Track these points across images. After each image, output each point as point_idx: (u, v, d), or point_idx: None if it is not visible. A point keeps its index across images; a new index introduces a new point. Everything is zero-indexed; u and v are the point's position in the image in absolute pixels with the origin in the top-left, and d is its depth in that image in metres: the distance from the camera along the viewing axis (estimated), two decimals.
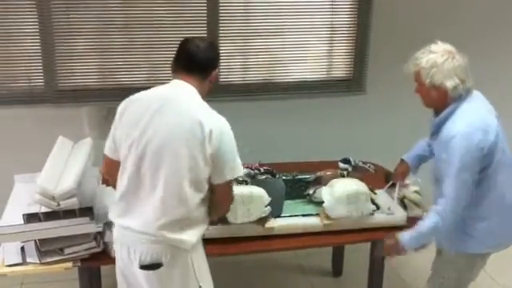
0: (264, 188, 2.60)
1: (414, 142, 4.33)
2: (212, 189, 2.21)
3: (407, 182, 3.10)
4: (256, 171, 2.77)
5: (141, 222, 2.16)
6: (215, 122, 2.16)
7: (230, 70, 4.04)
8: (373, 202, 2.79)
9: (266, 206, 2.58)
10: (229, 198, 2.31)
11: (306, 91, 4.14)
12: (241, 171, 2.26)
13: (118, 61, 3.81)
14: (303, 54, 4.11)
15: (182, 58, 2.28)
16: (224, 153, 2.16)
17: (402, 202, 2.97)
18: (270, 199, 2.58)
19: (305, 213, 2.77)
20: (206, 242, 2.51)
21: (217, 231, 2.56)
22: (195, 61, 2.27)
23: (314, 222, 2.71)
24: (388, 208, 2.82)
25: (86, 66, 3.79)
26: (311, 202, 2.87)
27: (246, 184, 2.65)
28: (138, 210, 2.17)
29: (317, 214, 2.75)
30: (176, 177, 2.11)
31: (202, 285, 2.27)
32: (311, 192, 2.88)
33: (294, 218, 2.72)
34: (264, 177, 2.74)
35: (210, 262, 3.71)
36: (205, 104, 2.24)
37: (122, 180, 2.21)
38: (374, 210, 2.77)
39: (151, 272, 2.16)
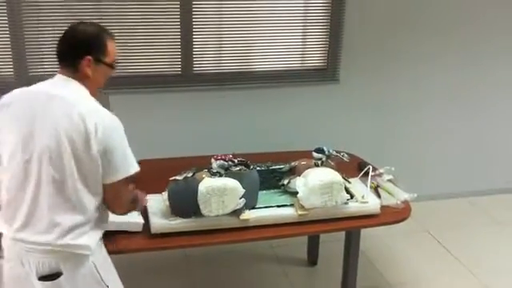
0: (238, 180, 2.59)
1: (387, 130, 4.39)
2: (103, 188, 2.09)
3: (381, 170, 3.12)
4: (230, 163, 2.75)
5: (31, 231, 2.02)
6: (100, 117, 2.03)
7: (204, 59, 4.01)
8: (347, 191, 2.79)
9: (240, 198, 2.57)
10: (120, 198, 2.17)
11: (280, 80, 4.14)
12: (133, 169, 2.10)
13: None
14: (277, 44, 4.09)
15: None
16: (113, 149, 2.03)
17: (376, 191, 2.99)
18: (244, 191, 2.57)
19: (279, 203, 2.75)
20: (180, 234, 2.52)
21: (191, 224, 2.53)
22: (59, 49, 2.15)
23: (288, 213, 2.70)
24: (362, 197, 2.82)
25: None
26: (286, 192, 2.86)
27: (220, 176, 2.63)
28: (26, 218, 2.03)
29: (291, 205, 2.75)
30: (65, 181, 2.00)
31: (108, 285, 2.15)
32: (286, 182, 2.87)
33: (269, 209, 2.70)
34: (238, 168, 2.72)
35: (185, 254, 3.70)
36: (90, 98, 2.11)
37: (6, 185, 2.06)
38: (348, 199, 2.77)
39: (50, 283, 2.03)
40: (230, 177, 2.62)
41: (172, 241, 2.51)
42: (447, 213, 4.51)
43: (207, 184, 2.51)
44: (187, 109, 4.01)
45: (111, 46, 2.19)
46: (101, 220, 2.15)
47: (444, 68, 4.40)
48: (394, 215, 2.83)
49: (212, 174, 2.63)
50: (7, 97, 2.14)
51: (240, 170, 2.72)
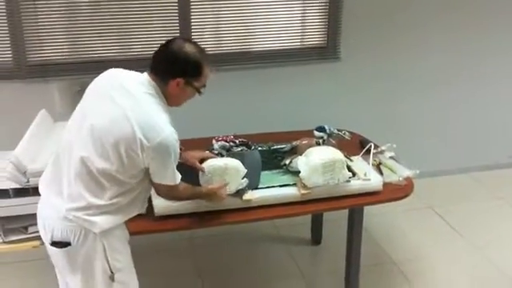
0: (240, 160, 2.58)
1: (388, 107, 4.37)
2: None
3: (383, 148, 3.12)
4: (231, 144, 2.75)
5: (56, 197, 2.13)
6: (147, 135, 2.04)
7: (202, 39, 3.98)
8: (349, 169, 2.79)
9: (242, 178, 2.56)
10: (165, 196, 2.29)
11: (280, 60, 4.11)
12: (172, 181, 2.18)
13: (87, 33, 3.73)
14: (276, 22, 4.06)
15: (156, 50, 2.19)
16: (154, 164, 2.11)
17: (378, 168, 2.99)
18: (246, 171, 2.57)
19: (282, 183, 2.76)
20: (183, 216, 2.52)
21: (194, 206, 2.53)
22: (155, 60, 2.18)
23: (291, 192, 2.70)
24: (364, 174, 2.82)
25: (56, 40, 3.70)
26: (288, 171, 2.86)
27: (222, 157, 2.63)
28: (58, 185, 2.13)
29: (294, 184, 2.75)
30: (90, 167, 2.06)
31: (115, 273, 2.19)
32: (288, 162, 2.86)
33: (272, 189, 2.70)
34: (239, 149, 2.72)
35: (188, 235, 3.69)
36: (159, 111, 2.12)
37: (57, 147, 2.19)
38: (351, 177, 2.77)
39: (58, 250, 2.14)
40: (231, 157, 2.62)
41: (175, 222, 2.52)
42: (450, 189, 4.51)
43: (208, 164, 2.51)
44: None
45: (206, 74, 2.23)
46: (121, 209, 2.16)
47: (447, 45, 4.37)
48: (396, 192, 2.83)
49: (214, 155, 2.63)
50: (102, 74, 2.23)
51: (241, 150, 2.72)
